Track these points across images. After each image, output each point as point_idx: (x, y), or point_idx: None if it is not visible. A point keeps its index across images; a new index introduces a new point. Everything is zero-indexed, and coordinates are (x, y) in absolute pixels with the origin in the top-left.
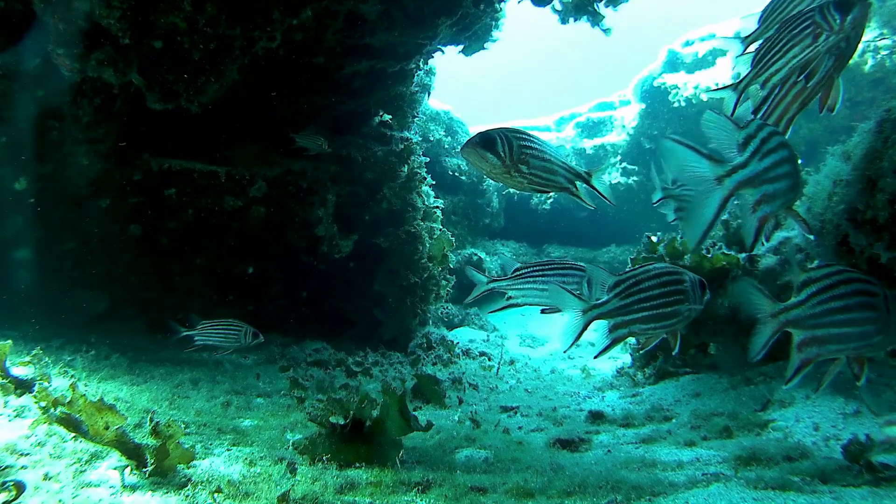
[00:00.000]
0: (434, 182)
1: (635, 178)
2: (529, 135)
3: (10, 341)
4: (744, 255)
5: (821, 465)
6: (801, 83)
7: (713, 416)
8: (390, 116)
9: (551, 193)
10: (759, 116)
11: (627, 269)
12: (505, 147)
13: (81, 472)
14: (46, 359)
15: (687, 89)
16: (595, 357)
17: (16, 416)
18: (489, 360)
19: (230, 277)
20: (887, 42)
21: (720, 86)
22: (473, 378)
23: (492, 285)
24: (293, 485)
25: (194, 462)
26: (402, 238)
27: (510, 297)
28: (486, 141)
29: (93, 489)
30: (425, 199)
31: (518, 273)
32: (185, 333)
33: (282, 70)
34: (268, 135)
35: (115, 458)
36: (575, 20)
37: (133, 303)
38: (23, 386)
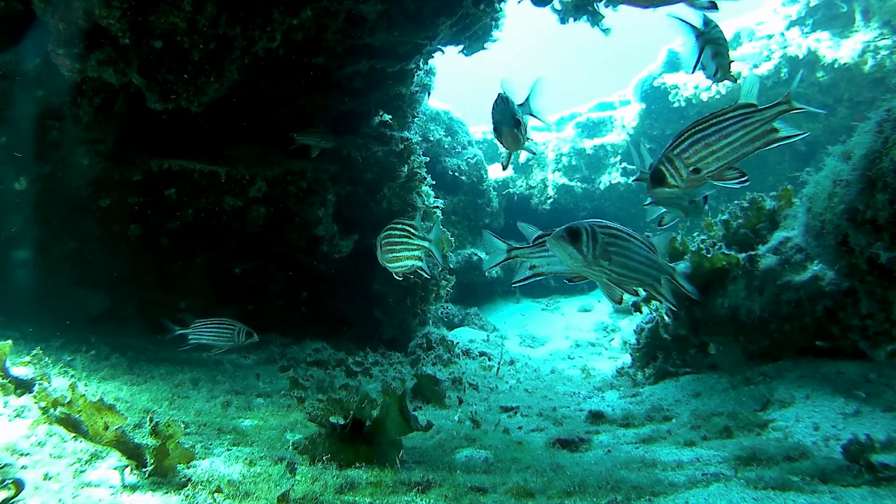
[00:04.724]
0: (434, 182)
1: None
2: (618, 230)
3: (10, 341)
4: (744, 255)
5: (821, 465)
6: None
7: (713, 416)
8: (390, 116)
9: (551, 194)
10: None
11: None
12: (589, 243)
13: (81, 472)
14: (46, 359)
15: (687, 89)
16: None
17: (16, 416)
18: (489, 360)
19: (230, 277)
20: (887, 42)
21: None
22: (473, 378)
23: (514, 253)
24: (293, 485)
25: (194, 462)
26: None
27: (534, 267)
28: (573, 234)
29: (93, 489)
30: (425, 199)
31: (541, 240)
32: (178, 332)
33: (282, 70)
34: (268, 135)
35: (115, 458)
36: (574, 20)
37: (133, 303)
38: (23, 386)
